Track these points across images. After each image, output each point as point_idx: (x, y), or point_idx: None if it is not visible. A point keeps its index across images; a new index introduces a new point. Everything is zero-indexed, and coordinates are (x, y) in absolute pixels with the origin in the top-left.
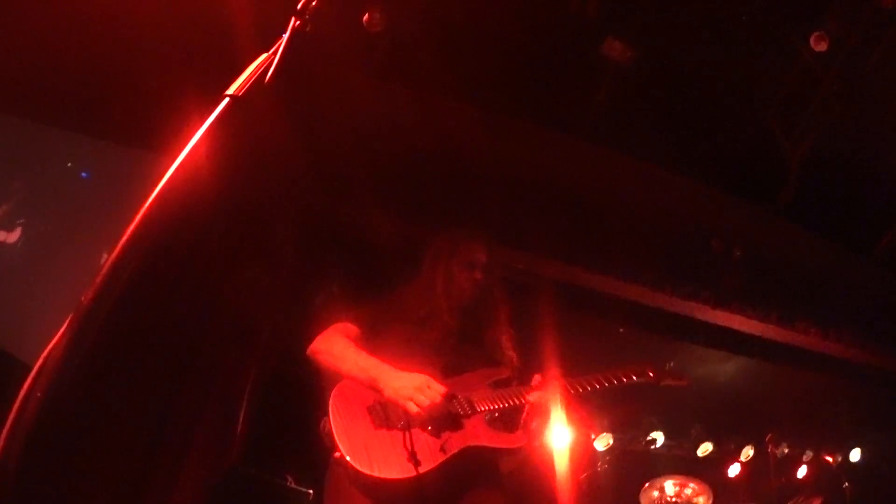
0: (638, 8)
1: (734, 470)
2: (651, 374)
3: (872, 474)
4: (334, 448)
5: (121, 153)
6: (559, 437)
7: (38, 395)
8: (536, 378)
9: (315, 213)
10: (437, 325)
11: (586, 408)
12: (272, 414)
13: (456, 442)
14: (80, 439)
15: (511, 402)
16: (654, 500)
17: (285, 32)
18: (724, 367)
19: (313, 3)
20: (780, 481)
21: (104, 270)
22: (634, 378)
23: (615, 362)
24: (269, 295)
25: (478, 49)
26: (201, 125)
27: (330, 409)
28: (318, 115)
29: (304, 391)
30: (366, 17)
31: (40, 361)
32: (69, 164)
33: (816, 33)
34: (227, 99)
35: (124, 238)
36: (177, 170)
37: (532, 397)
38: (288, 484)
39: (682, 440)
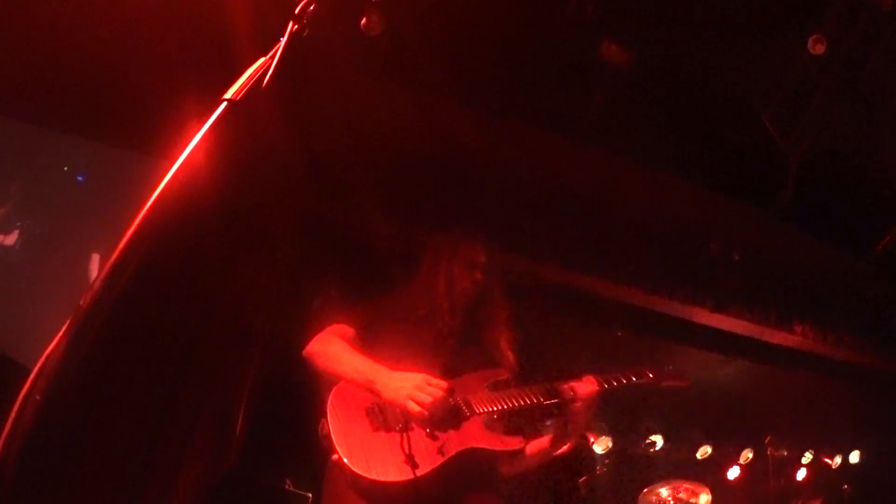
0: (636, 10)
1: (733, 472)
2: (650, 375)
3: (872, 476)
4: (332, 450)
5: (116, 157)
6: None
7: (37, 397)
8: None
9: (313, 216)
10: (436, 325)
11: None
12: (270, 416)
13: (454, 444)
14: (78, 442)
15: (511, 404)
16: None
17: (283, 36)
18: (723, 370)
19: (311, 7)
20: (779, 484)
21: (103, 273)
22: (634, 379)
23: (613, 366)
24: (268, 297)
25: (476, 51)
26: (199, 129)
27: (328, 411)
28: (316, 117)
29: (303, 393)
30: (363, 20)
31: (39, 364)
32: (66, 168)
33: (814, 36)
34: (224, 103)
35: (122, 241)
36: (175, 173)
37: (577, 401)
38: (287, 487)
39: (681, 443)
